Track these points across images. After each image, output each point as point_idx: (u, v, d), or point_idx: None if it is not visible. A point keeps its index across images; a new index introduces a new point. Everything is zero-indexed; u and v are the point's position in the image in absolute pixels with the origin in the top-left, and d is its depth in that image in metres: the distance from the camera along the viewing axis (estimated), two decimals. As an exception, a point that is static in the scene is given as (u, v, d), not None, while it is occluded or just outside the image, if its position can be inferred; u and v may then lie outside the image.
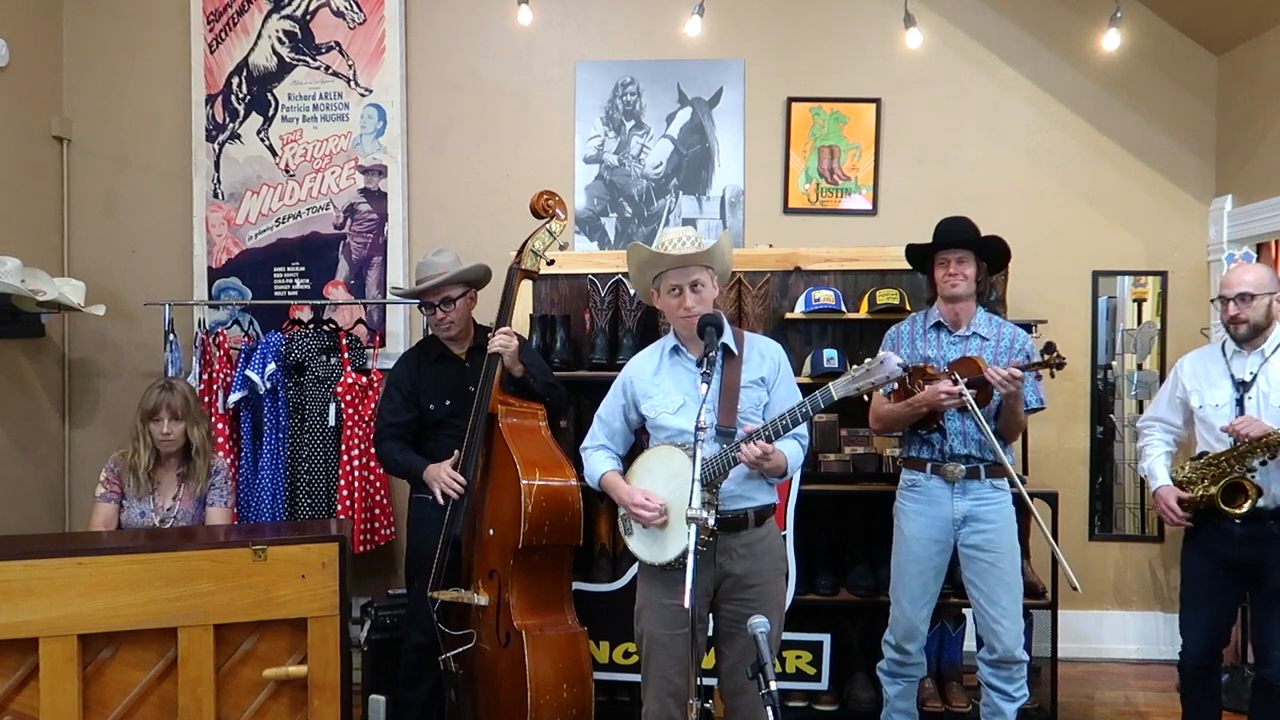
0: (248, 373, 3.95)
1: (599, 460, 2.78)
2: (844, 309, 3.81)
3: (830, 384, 2.47)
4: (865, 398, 3.03)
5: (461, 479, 3.10)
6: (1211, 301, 3.07)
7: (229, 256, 4.45)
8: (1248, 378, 2.99)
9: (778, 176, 4.45)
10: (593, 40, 4.47)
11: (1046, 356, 2.91)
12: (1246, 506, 2.88)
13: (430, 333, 3.49)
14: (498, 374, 3.14)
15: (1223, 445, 2.98)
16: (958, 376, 2.90)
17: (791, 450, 2.63)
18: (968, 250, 3.07)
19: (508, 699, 2.99)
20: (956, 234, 3.08)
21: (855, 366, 2.47)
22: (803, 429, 2.68)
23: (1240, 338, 3.01)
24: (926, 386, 2.96)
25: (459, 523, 3.11)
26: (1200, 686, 3.14)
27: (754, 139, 4.44)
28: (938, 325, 3.15)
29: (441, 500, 3.12)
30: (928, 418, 3.02)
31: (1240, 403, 2.97)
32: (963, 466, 3.01)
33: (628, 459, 2.81)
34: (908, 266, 3.31)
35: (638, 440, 2.88)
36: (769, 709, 1.84)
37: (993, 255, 3.14)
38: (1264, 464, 2.90)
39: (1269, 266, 3.02)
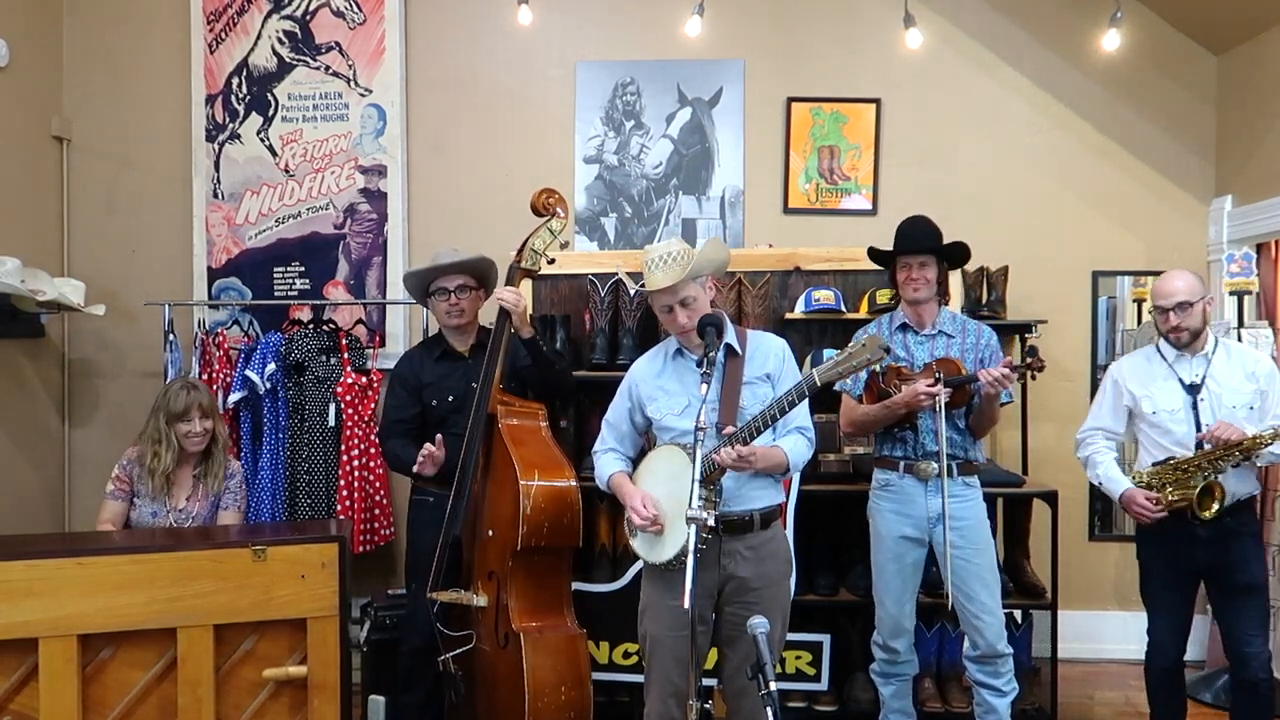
0: (247, 373, 3.95)
1: (608, 462, 2.79)
2: (844, 309, 3.82)
3: (813, 370, 2.48)
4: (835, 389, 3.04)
5: (434, 450, 3.10)
6: (1150, 311, 3.07)
7: (229, 256, 4.45)
8: (1196, 380, 3.01)
9: (778, 176, 4.45)
10: (593, 40, 4.47)
11: (1030, 360, 2.93)
12: (1215, 509, 2.89)
13: (429, 334, 3.48)
14: (505, 339, 3.12)
15: (1182, 450, 2.98)
16: (941, 375, 2.92)
17: (791, 445, 2.62)
18: (928, 254, 3.09)
19: (506, 701, 2.99)
20: (917, 240, 3.11)
21: (838, 352, 2.48)
22: (807, 421, 2.68)
23: (1182, 344, 3.03)
24: (902, 387, 2.98)
25: (459, 523, 3.11)
26: (1171, 688, 3.15)
27: (754, 139, 4.44)
28: (903, 326, 3.17)
29: (414, 469, 3.13)
30: (902, 417, 3.04)
31: (1195, 406, 2.99)
32: (935, 464, 3.02)
33: (637, 460, 2.82)
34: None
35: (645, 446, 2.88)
36: (769, 709, 1.84)
37: (953, 255, 3.17)
38: (1236, 466, 2.91)
39: (1192, 272, 3.07)
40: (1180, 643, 3.11)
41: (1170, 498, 2.96)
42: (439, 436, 3.15)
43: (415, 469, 3.16)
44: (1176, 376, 3.04)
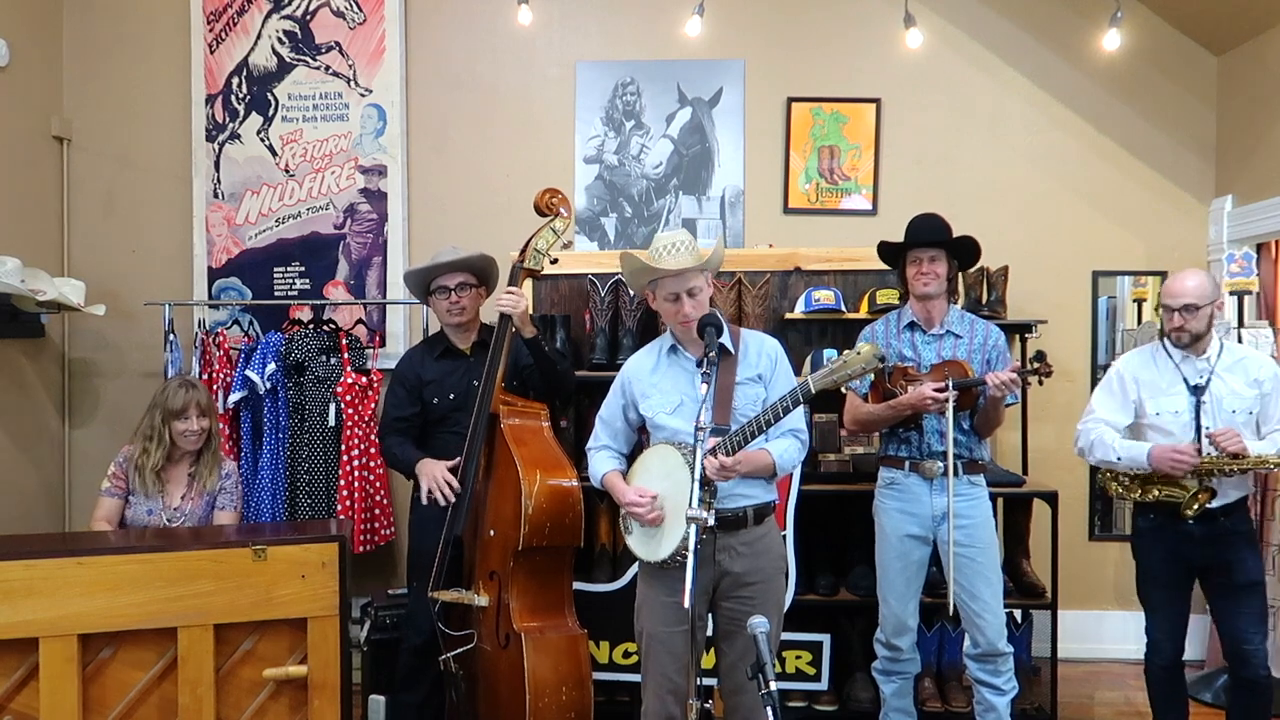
0: (248, 373, 3.95)
1: (601, 460, 2.79)
2: (844, 309, 3.82)
3: (808, 377, 2.48)
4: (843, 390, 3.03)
5: (456, 486, 3.09)
6: (1155, 309, 3.07)
7: (229, 256, 4.45)
8: (1201, 382, 3.00)
9: (778, 176, 4.45)
10: (593, 40, 4.47)
11: (1037, 365, 2.94)
12: (1196, 508, 2.92)
13: (430, 333, 3.49)
14: (506, 342, 3.12)
15: None
16: (951, 381, 2.91)
17: (782, 449, 2.63)
18: (939, 249, 3.09)
19: (507, 700, 2.99)
20: (928, 233, 3.10)
21: (834, 358, 2.48)
22: (801, 424, 2.68)
23: (1182, 345, 3.01)
24: (909, 387, 2.98)
25: (460, 523, 3.11)
26: (1172, 687, 3.16)
27: (754, 139, 4.44)
28: (911, 324, 3.17)
29: (425, 500, 3.12)
30: (906, 417, 3.04)
31: (1198, 408, 2.98)
32: (940, 463, 3.02)
33: (631, 457, 2.81)
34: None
35: (640, 439, 2.88)
36: (769, 709, 1.84)
37: (964, 253, 3.16)
38: (1229, 475, 2.93)
39: (1206, 273, 3.02)
40: (1178, 641, 3.11)
41: (1155, 494, 2.99)
42: (459, 459, 3.14)
43: (424, 500, 3.14)
44: (1182, 377, 3.02)
